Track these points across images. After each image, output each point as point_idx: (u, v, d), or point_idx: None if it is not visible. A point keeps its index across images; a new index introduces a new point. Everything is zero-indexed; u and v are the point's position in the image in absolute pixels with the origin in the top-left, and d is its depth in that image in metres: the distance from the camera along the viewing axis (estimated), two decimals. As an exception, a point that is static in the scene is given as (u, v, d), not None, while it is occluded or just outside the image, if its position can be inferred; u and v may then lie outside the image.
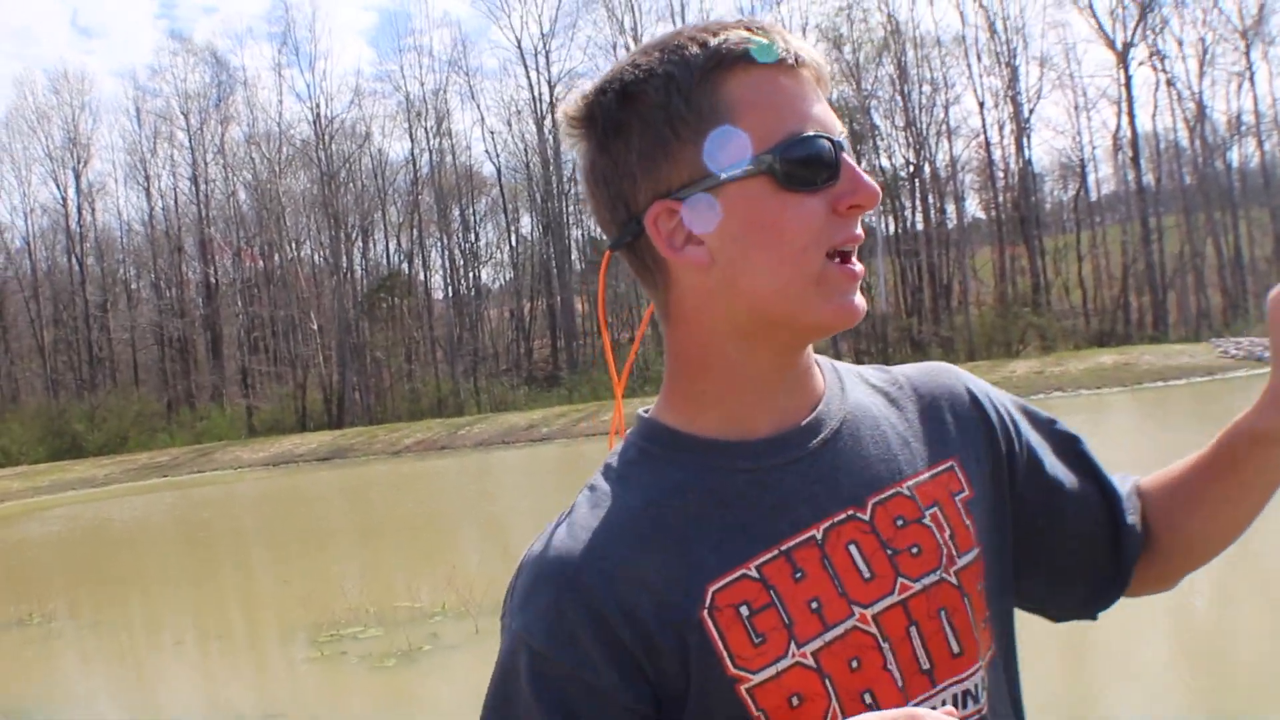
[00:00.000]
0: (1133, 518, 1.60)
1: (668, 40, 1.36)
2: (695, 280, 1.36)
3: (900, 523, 1.40)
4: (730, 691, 1.31)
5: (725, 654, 1.31)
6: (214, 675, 13.55)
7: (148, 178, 77.30)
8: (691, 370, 1.43)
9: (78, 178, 76.42)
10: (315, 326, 70.87)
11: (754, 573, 1.33)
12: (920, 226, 68.31)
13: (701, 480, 1.38)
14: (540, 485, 29.84)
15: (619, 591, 1.32)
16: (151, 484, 48.28)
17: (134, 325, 75.52)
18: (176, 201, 77.22)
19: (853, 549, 1.37)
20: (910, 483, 1.44)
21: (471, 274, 76.97)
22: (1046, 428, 1.66)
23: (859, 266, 1.38)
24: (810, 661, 1.32)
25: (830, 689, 1.32)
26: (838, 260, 1.35)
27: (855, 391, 1.51)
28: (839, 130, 1.36)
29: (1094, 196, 73.09)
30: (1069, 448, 1.66)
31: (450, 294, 76.01)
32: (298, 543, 23.54)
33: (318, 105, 73.72)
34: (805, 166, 1.31)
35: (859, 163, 1.36)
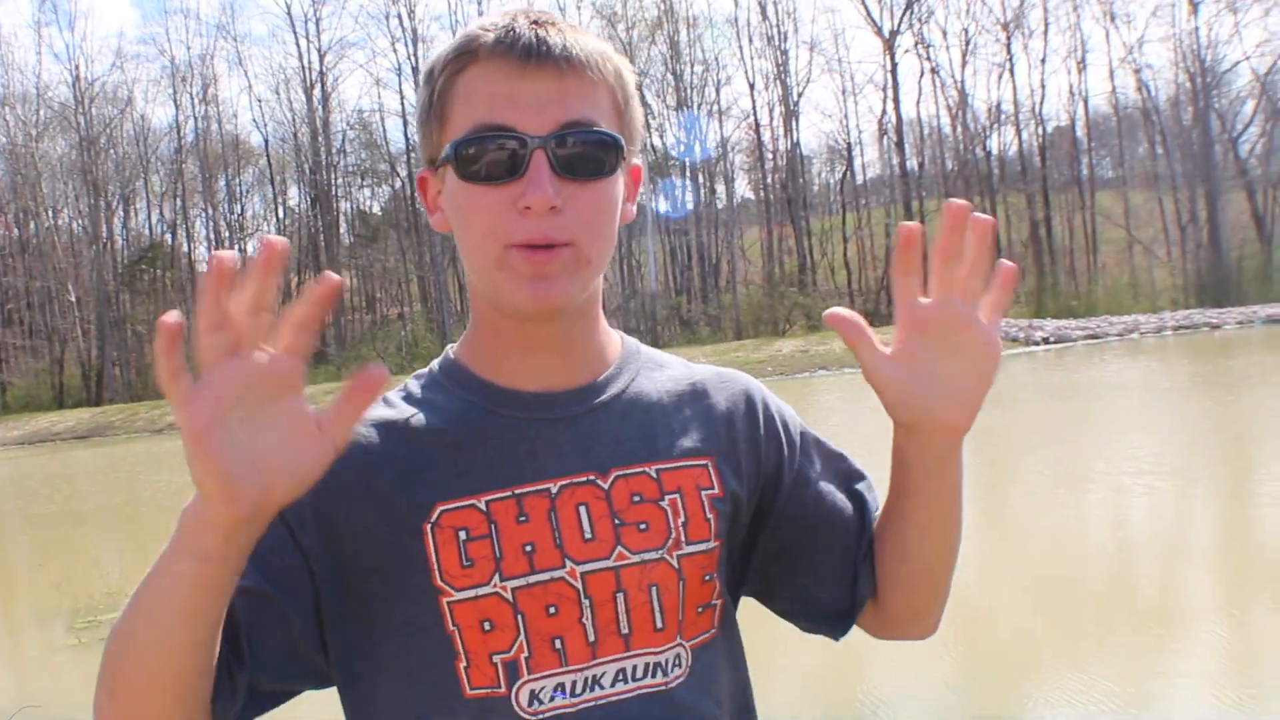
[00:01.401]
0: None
1: (471, 26, 1.48)
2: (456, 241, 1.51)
3: (636, 499, 1.52)
4: (433, 600, 1.46)
5: (435, 566, 1.45)
6: (-36, 664, 13.06)
7: (-109, 137, 73.90)
8: (475, 320, 1.59)
9: None
10: (73, 298, 68.63)
11: (482, 505, 1.47)
12: (690, 206, 69.10)
13: (467, 415, 1.53)
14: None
15: (366, 480, 1.48)
16: (-105, 462, 46.22)
17: (-123, 293, 72.17)
18: (-76, 163, 73.93)
19: (581, 510, 1.50)
20: (659, 466, 1.55)
21: (237, 246, 75.34)
22: (833, 461, 1.77)
23: (551, 255, 1.44)
24: (508, 595, 1.46)
25: (521, 625, 1.46)
26: (518, 251, 1.43)
27: (644, 376, 1.64)
28: (556, 127, 1.42)
29: (860, 179, 74.98)
30: (846, 484, 1.75)
31: (215, 266, 74.32)
32: (53, 524, 22.79)
33: (77, 66, 71.48)
34: (474, 161, 1.43)
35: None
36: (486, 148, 1.42)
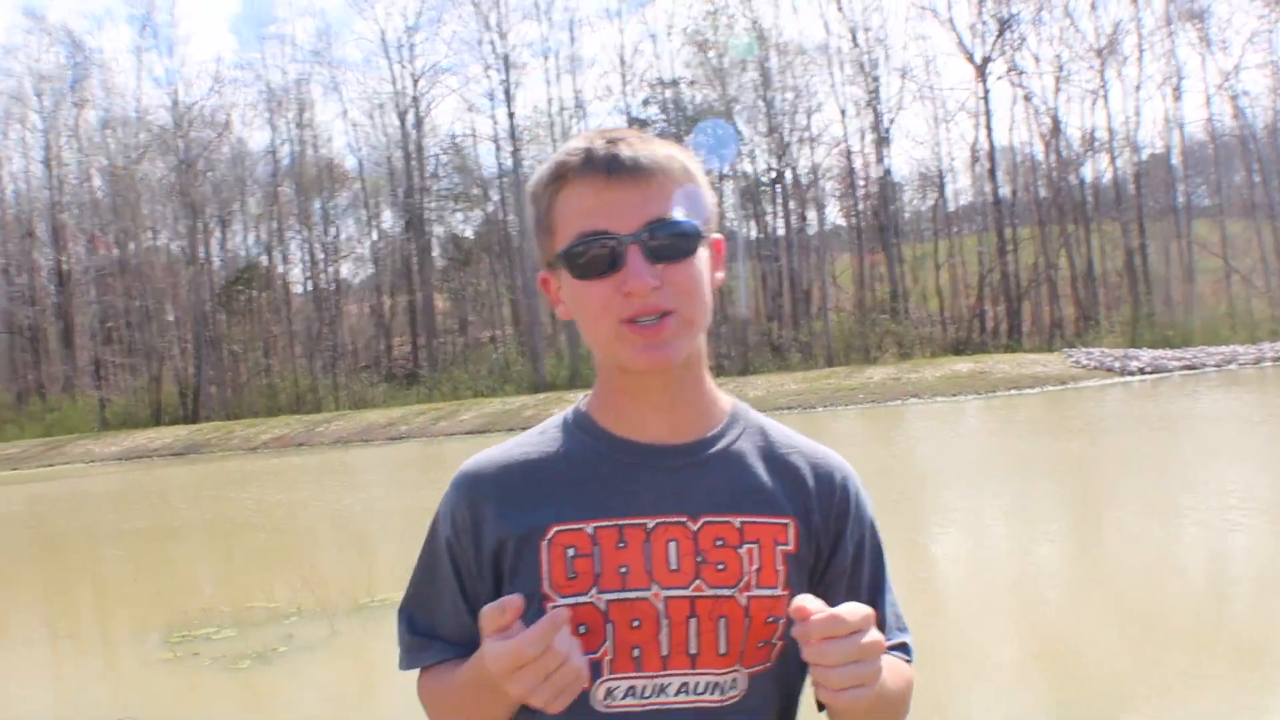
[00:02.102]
0: None
1: (562, 149, 1.81)
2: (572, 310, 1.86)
3: (719, 543, 1.80)
4: (539, 604, 1.77)
5: (545, 575, 1.79)
6: (63, 676, 13.26)
7: (-2, 159, 75.39)
8: (602, 381, 1.92)
9: (-76, 157, 74.32)
10: (171, 318, 69.65)
11: (590, 530, 1.79)
12: (781, 232, 68.98)
13: (587, 456, 1.86)
14: (398, 483, 29.67)
15: (502, 503, 1.85)
16: (0, 477, 47.10)
17: (-18, 312, 73.59)
18: (29, 185, 75.44)
19: (671, 545, 1.79)
20: (744, 519, 1.83)
21: (331, 268, 76.17)
22: (877, 578, 2.04)
23: (651, 324, 1.75)
24: (602, 605, 1.77)
25: (609, 632, 1.77)
26: (628, 327, 1.76)
27: (746, 439, 1.92)
28: (643, 225, 1.74)
29: (951, 207, 74.46)
30: (874, 598, 2.00)
31: (310, 288, 75.23)
32: (150, 540, 23.12)
33: (177, 91, 72.63)
34: (581, 261, 1.75)
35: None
36: (590, 249, 1.74)
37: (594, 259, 1.74)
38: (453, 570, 1.89)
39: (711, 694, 1.79)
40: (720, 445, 1.88)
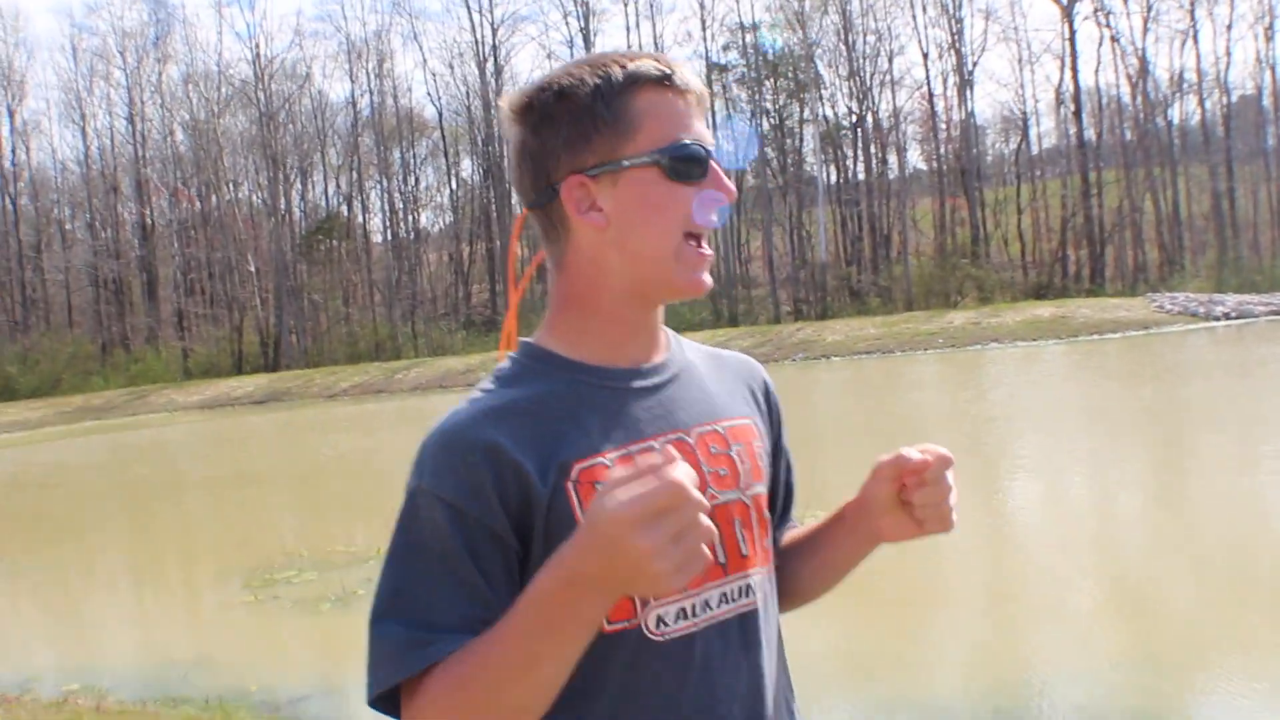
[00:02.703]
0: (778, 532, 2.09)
1: (596, 60, 1.79)
2: (592, 240, 1.77)
3: (714, 450, 1.82)
4: None
5: (581, 518, 1.54)
6: (147, 618, 13.47)
7: (83, 116, 76.46)
8: (576, 309, 1.82)
9: (11, 115, 75.50)
10: (252, 269, 70.37)
11: (608, 461, 1.70)
12: (861, 176, 68.52)
13: (574, 390, 1.77)
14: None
15: (513, 454, 1.66)
16: (85, 427, 47.88)
17: (68, 266, 74.69)
18: (113, 141, 76.45)
19: (694, 454, 1.78)
20: (725, 423, 1.87)
21: (411, 217, 76.55)
22: (789, 464, 2.15)
23: (709, 251, 1.80)
24: None
25: None
26: (693, 243, 1.77)
27: (689, 352, 1.96)
28: (710, 143, 1.79)
29: (1035, 150, 73.56)
30: (791, 480, 2.15)
31: (389, 237, 75.72)
32: (233, 486, 23.41)
33: (257, 45, 73.24)
34: (684, 164, 1.74)
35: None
36: (691, 153, 1.74)
37: (694, 163, 1.75)
38: (462, 546, 1.63)
39: (746, 597, 1.80)
40: (680, 359, 1.91)
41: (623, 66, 1.76)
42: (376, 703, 1.67)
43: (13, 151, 75.06)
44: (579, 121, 1.74)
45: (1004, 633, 9.41)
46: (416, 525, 1.66)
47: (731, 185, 1.80)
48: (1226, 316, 41.96)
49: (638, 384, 1.81)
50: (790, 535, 2.10)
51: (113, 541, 18.99)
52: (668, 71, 1.77)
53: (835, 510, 1.99)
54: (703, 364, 1.96)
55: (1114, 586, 10.46)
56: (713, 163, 1.79)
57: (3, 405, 56.64)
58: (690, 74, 1.80)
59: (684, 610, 1.72)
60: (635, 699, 1.71)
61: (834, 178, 69.36)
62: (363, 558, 13.61)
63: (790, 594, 2.03)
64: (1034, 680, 8.02)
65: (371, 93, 74.79)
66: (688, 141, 1.75)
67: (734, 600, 1.78)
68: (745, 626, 1.80)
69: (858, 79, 67.07)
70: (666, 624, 1.71)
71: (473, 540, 1.63)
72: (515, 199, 1.95)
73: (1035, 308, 48.10)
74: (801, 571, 2.04)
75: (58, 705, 9.00)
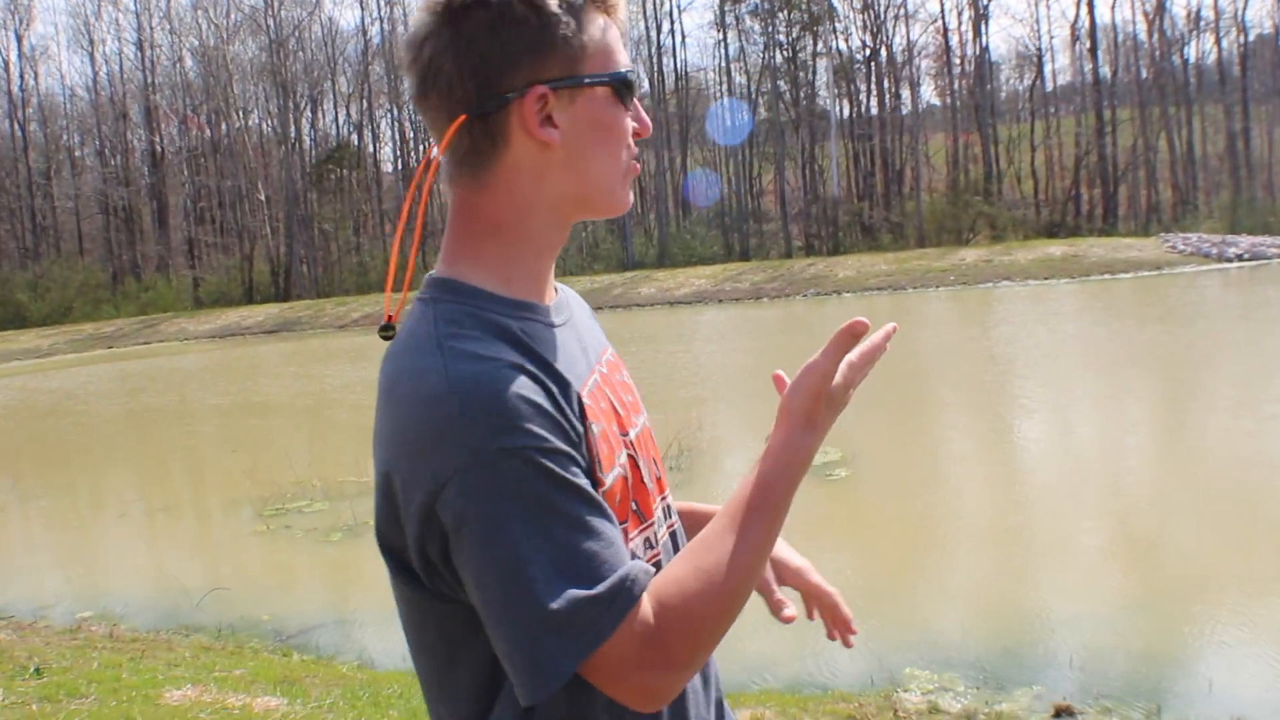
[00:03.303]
0: None
1: None
2: (535, 158, 1.64)
3: (619, 377, 1.81)
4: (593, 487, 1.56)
5: (598, 463, 1.58)
6: (159, 548, 13.55)
7: (91, 42, 76.24)
8: (502, 236, 1.69)
9: (19, 40, 75.26)
10: (262, 197, 70.15)
11: (586, 398, 1.61)
12: (874, 111, 68.08)
13: (531, 328, 1.63)
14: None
15: (550, 386, 1.55)
16: (96, 355, 48.01)
17: (78, 193, 74.60)
18: (122, 67, 76.03)
19: (607, 391, 1.72)
20: (609, 352, 1.85)
21: (422, 147, 76.17)
22: None
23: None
24: (627, 470, 1.66)
25: (630, 490, 1.66)
26: (636, 162, 1.75)
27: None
28: None
29: (1050, 87, 73.06)
30: None
31: (400, 167, 75.41)
32: (244, 415, 23.50)
33: (267, -31, 72.42)
34: (629, 89, 1.70)
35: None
36: (634, 82, 1.71)
37: (632, 89, 1.71)
38: (573, 484, 1.49)
39: (671, 517, 1.82)
40: (563, 293, 1.84)
41: None
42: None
43: (20, 77, 74.86)
44: (546, 29, 1.62)
45: (1011, 572, 9.45)
46: (525, 487, 1.45)
47: (647, 119, 1.77)
48: (1239, 258, 41.80)
49: (554, 319, 1.70)
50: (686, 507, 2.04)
51: (124, 470, 19.09)
52: (619, 3, 1.72)
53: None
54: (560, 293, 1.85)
55: (1120, 527, 10.49)
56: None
57: (14, 333, 56.78)
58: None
59: (648, 540, 1.69)
60: None
61: (847, 112, 68.95)
62: (373, 488, 13.65)
63: None
64: (1040, 619, 8.06)
65: (382, 20, 74.42)
66: (630, 68, 1.72)
67: (667, 519, 1.79)
68: (676, 546, 1.78)
69: (871, 12, 66.61)
70: (639, 555, 1.63)
71: (575, 474, 1.50)
72: (421, 108, 1.70)
73: (1047, 246, 47.98)
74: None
75: (71, 632, 9.08)
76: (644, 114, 1.76)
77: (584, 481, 1.50)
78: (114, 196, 73.04)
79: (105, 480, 18.30)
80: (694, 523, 1.93)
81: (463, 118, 1.63)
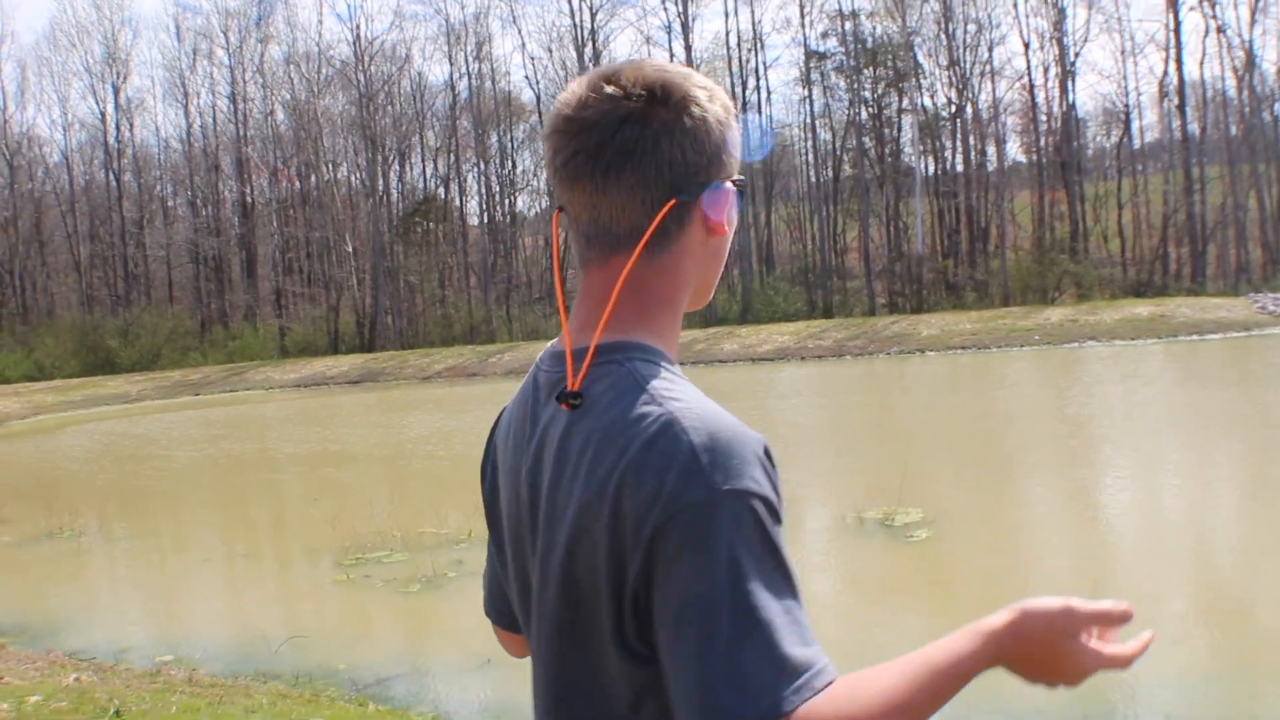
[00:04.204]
0: None
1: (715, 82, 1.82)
2: (698, 244, 1.78)
3: None
4: None
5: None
6: (240, 594, 13.66)
7: (186, 95, 77.36)
8: (669, 312, 1.80)
9: (116, 93, 76.44)
10: (350, 249, 70.91)
11: None
12: (960, 168, 67.78)
13: None
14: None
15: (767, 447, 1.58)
16: (183, 401, 48.64)
17: (169, 243, 75.77)
18: (215, 120, 77.18)
19: None
20: None
21: (507, 201, 76.80)
22: None
23: None
24: None
25: None
26: None
27: None
28: None
29: (1137, 144, 72.35)
30: None
31: (485, 220, 75.94)
32: (327, 464, 23.67)
33: (358, 26, 73.97)
34: (744, 195, 1.86)
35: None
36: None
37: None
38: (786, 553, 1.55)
39: None
40: None
41: (730, 98, 1.83)
42: None
43: (117, 128, 76.17)
44: (730, 130, 1.78)
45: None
46: (765, 525, 1.50)
47: None
48: (1332, 320, 41.17)
49: None
50: None
51: (206, 515, 19.28)
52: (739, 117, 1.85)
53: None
54: None
55: (1207, 593, 10.31)
56: None
57: (104, 378, 57.62)
58: None
59: None
60: None
61: (932, 169, 68.66)
62: (453, 539, 13.71)
63: None
64: (1124, 685, 7.92)
65: (470, 75, 75.15)
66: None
67: None
68: None
69: (957, 68, 66.38)
70: None
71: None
72: (617, 176, 1.72)
73: (1134, 305, 47.44)
74: None
75: (151, 675, 9.15)
76: None
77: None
78: (204, 246, 74.10)
79: (188, 525, 18.49)
80: None
81: (673, 201, 1.72)
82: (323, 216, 72.24)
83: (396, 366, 54.13)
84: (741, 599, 1.44)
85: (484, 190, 76.41)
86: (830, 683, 1.44)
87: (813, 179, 71.69)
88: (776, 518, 1.51)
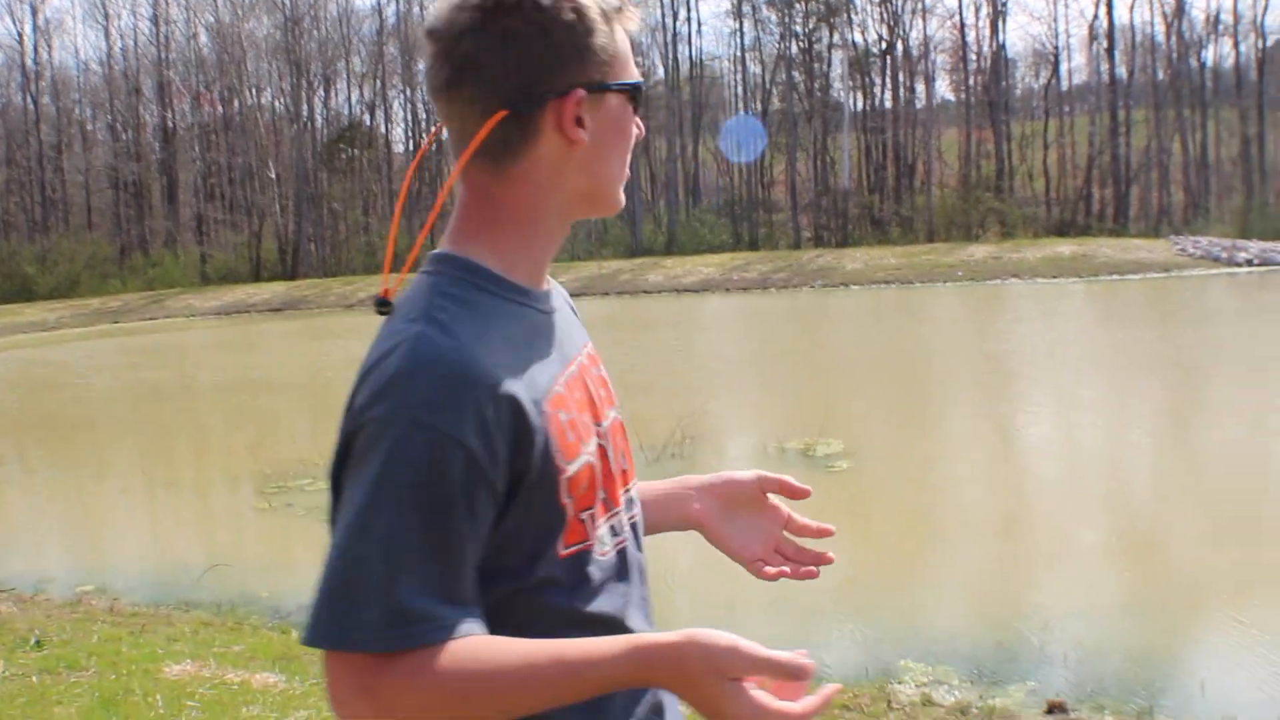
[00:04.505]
0: None
1: None
2: (559, 155, 1.72)
3: (594, 371, 1.84)
4: (553, 482, 1.62)
5: (558, 451, 1.62)
6: (160, 523, 13.59)
7: (107, 16, 76.09)
8: (518, 225, 1.76)
9: (35, 13, 75.27)
10: (273, 175, 70.17)
11: (562, 388, 1.68)
12: (888, 104, 67.96)
13: (525, 315, 1.72)
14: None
15: (510, 389, 1.56)
16: (102, 329, 47.99)
17: (88, 167, 74.44)
18: (136, 42, 75.95)
19: (587, 380, 1.79)
20: (589, 345, 1.88)
21: (433, 128, 76.12)
22: None
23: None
24: (595, 457, 1.72)
25: (599, 478, 1.72)
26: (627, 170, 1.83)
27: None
28: None
29: (1065, 86, 72.87)
30: None
31: (411, 148, 75.36)
32: (248, 392, 23.51)
33: (284, -55, 72.37)
34: (639, 97, 1.81)
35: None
36: (644, 92, 1.83)
37: (642, 98, 1.84)
38: (487, 499, 1.54)
39: (634, 508, 1.85)
40: (553, 286, 1.87)
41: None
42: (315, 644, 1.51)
43: (35, 49, 74.79)
44: (587, 35, 1.69)
45: (1008, 568, 9.46)
46: (417, 463, 1.48)
47: (642, 124, 1.86)
48: (1249, 263, 41.69)
49: (547, 307, 1.78)
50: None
51: (126, 444, 19.12)
52: (634, 6, 1.81)
53: (677, 481, 2.10)
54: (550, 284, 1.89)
55: (1118, 527, 10.50)
56: None
57: (20, 305, 56.77)
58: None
59: (614, 527, 1.76)
60: (582, 616, 1.66)
61: (860, 104, 68.83)
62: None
63: None
64: (1036, 615, 8.07)
65: (397, 1, 74.43)
66: (641, 79, 1.82)
67: (630, 509, 1.82)
68: (637, 535, 1.84)
69: (889, 5, 66.43)
70: (605, 544, 1.72)
71: (476, 494, 1.52)
72: (449, 97, 1.76)
73: (1057, 244, 47.91)
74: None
75: (71, 605, 9.10)
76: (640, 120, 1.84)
77: (477, 499, 1.52)
78: (124, 171, 72.93)
79: (107, 454, 18.33)
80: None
81: (503, 113, 1.69)
82: (246, 142, 71.40)
83: (319, 294, 53.75)
84: (364, 523, 1.49)
85: (410, 117, 75.78)
86: (441, 643, 1.47)
87: (741, 112, 71.53)
88: (470, 467, 1.50)
